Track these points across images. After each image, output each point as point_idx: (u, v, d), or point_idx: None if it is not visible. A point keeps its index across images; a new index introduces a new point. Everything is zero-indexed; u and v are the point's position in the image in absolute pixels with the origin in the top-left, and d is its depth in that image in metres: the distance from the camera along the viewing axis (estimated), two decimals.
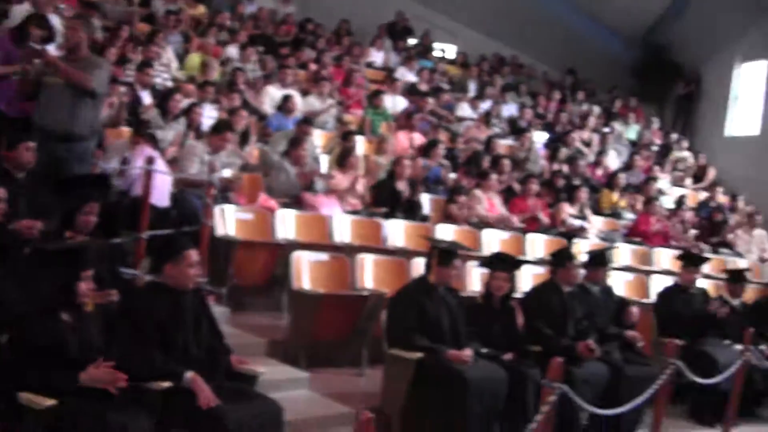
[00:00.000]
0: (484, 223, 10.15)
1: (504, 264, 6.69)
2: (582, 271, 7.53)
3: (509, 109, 15.31)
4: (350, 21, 16.88)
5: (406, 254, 8.27)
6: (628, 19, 18.65)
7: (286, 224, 8.41)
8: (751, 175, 15.97)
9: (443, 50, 18.82)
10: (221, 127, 8.69)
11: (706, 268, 10.45)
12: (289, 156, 9.39)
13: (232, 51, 12.97)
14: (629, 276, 9.73)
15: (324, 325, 6.83)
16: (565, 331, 6.89)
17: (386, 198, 9.80)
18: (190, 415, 4.32)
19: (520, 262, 7.30)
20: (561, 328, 6.86)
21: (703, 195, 14.52)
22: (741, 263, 11.06)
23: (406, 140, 11.88)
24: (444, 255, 6.24)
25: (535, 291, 7.25)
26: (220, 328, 5.09)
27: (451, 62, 17.87)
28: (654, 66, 18.92)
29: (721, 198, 14.25)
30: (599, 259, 7.71)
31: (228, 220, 7.96)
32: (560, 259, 7.21)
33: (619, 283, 9.44)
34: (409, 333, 6.02)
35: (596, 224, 11.56)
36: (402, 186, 9.97)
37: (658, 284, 9.33)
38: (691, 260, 8.71)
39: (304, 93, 12.26)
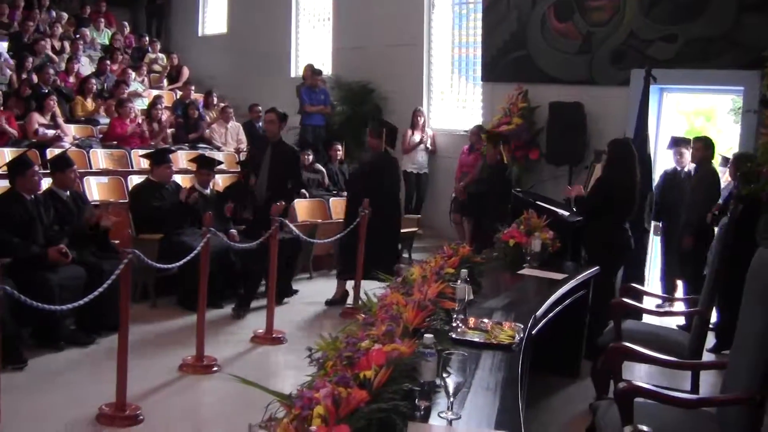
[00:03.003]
0: None
1: None
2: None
3: None
4: None
5: None
6: None
7: None
8: (222, 72, 16.73)
9: None
10: None
11: (183, 162, 10.88)
12: None
13: None
14: (104, 179, 9.76)
15: None
16: (35, 238, 6.81)
17: None
18: None
19: None
20: (29, 236, 6.78)
21: (179, 94, 14.89)
22: (217, 155, 11.59)
23: None
24: None
25: None
26: None
27: None
28: None
29: (196, 95, 14.71)
30: (61, 163, 7.63)
31: None
32: (17, 167, 7.03)
33: (95, 187, 9.48)
34: None
35: (71, 132, 11.37)
36: None
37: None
38: (158, 157, 8.95)
39: None
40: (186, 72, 16.28)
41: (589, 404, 5.77)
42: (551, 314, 5.32)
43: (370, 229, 8.60)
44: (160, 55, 16.45)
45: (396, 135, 9.62)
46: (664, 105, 10.44)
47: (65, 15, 16.29)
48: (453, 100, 13.46)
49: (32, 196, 6.98)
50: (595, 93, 10.67)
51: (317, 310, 8.90)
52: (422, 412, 2.88)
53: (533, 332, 4.51)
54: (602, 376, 5.60)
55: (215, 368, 6.57)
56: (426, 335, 3.04)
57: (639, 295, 6.56)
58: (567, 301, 5.87)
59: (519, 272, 6.20)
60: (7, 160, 7.74)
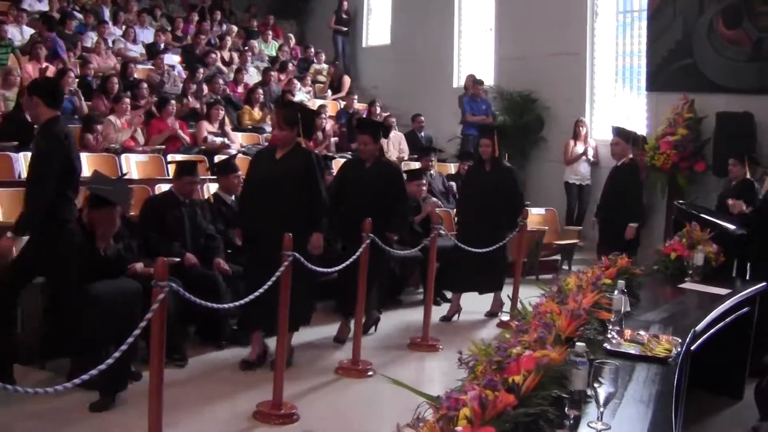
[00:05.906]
0: (123, 148, 10.09)
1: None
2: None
3: (145, 34, 15.05)
4: None
5: None
6: None
7: None
8: (385, 82, 16.96)
9: None
10: None
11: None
12: None
13: None
14: None
15: None
16: (183, 240, 7.10)
17: (16, 130, 9.37)
18: None
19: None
20: (177, 237, 7.08)
21: (342, 104, 15.20)
22: None
23: (35, 71, 11.37)
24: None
25: (151, 202, 7.35)
26: None
27: None
28: None
29: (358, 105, 14.98)
30: (226, 168, 7.94)
31: None
32: (183, 171, 7.38)
33: None
34: None
35: (238, 140, 11.79)
36: None
37: None
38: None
39: None
40: (347, 81, 16.57)
41: (751, 426, 5.56)
42: (713, 330, 5.15)
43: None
44: (325, 65, 16.84)
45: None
46: None
47: (235, 28, 16.93)
48: (617, 110, 13.19)
49: (186, 200, 7.28)
50: (766, 102, 10.23)
51: (473, 319, 8.90)
52: (572, 421, 2.86)
53: (692, 347, 4.38)
54: (767, 397, 5.38)
55: (370, 372, 6.68)
56: (578, 344, 3.02)
57: None
58: (730, 318, 5.67)
59: (680, 286, 6.05)
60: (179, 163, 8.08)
